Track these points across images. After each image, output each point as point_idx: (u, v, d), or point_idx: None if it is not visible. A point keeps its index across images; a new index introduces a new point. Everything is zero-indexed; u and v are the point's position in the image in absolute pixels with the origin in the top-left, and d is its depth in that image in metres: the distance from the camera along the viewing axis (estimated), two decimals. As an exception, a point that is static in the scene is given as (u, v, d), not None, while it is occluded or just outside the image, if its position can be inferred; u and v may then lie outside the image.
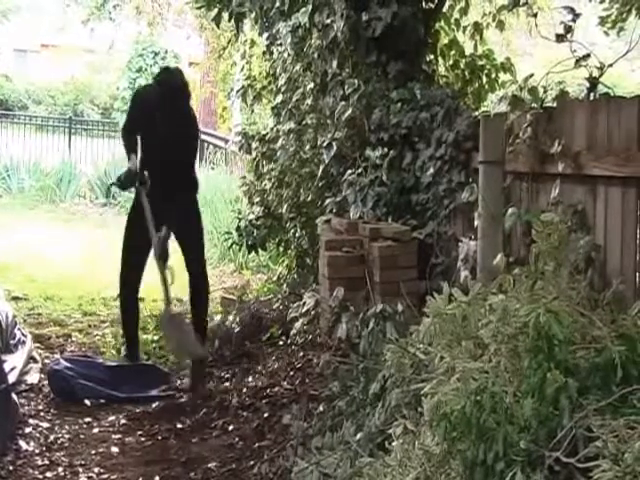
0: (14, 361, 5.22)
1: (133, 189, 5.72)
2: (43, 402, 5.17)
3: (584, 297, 2.89)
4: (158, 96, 5.30)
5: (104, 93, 27.68)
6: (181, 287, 5.91)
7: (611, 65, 3.94)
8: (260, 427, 4.47)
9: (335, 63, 5.67)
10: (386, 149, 5.22)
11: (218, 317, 6.54)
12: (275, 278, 7.51)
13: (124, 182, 5.70)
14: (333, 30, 5.56)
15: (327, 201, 5.65)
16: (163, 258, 5.42)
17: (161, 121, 5.27)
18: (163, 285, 5.51)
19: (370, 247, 4.90)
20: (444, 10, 5.89)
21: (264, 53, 7.27)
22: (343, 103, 5.50)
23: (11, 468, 4.18)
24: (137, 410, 5.11)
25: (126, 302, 5.71)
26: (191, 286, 5.70)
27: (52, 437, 4.64)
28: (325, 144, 5.63)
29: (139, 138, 5.58)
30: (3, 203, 14.65)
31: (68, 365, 5.32)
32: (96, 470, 4.24)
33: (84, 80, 28.61)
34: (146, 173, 5.52)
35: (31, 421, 4.82)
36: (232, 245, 7.82)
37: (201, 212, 5.87)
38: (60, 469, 4.25)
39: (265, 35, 6.73)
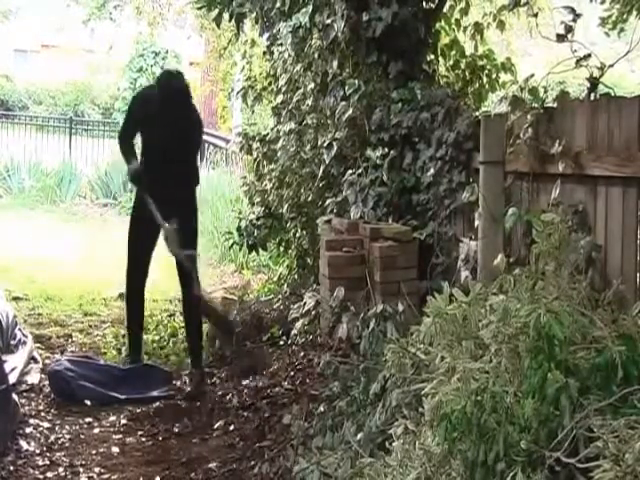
0: (15, 361, 5.21)
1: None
2: (44, 402, 5.16)
3: (585, 297, 2.89)
4: (159, 99, 5.29)
5: (105, 93, 27.68)
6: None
7: (612, 65, 3.94)
8: (261, 427, 4.47)
9: (335, 63, 5.67)
10: (387, 149, 5.22)
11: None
12: (276, 278, 7.51)
13: (132, 181, 5.81)
14: (334, 30, 5.56)
15: (328, 201, 5.66)
16: (176, 248, 5.39)
17: (163, 123, 5.25)
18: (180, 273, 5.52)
19: (371, 247, 4.90)
20: (444, 10, 5.90)
21: (264, 53, 7.27)
22: (343, 103, 5.50)
23: (12, 468, 4.17)
24: (138, 410, 5.11)
25: (132, 299, 5.69)
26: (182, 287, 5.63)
27: (53, 437, 4.64)
28: (326, 144, 5.63)
29: (141, 140, 5.57)
30: (3, 203, 14.62)
31: (69, 366, 5.32)
32: (97, 470, 4.23)
33: (85, 80, 28.61)
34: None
35: (32, 421, 4.81)
36: (233, 245, 7.82)
37: (197, 207, 5.75)
38: (61, 469, 4.24)
39: (265, 35, 6.74)
